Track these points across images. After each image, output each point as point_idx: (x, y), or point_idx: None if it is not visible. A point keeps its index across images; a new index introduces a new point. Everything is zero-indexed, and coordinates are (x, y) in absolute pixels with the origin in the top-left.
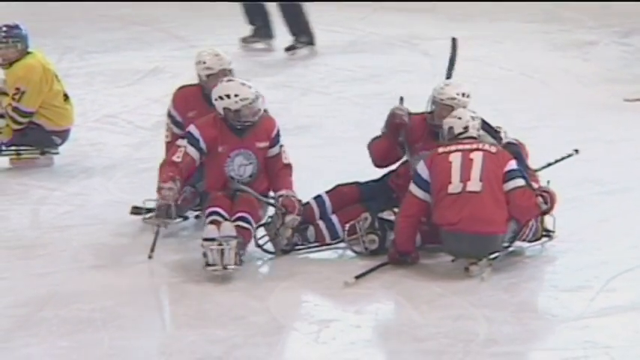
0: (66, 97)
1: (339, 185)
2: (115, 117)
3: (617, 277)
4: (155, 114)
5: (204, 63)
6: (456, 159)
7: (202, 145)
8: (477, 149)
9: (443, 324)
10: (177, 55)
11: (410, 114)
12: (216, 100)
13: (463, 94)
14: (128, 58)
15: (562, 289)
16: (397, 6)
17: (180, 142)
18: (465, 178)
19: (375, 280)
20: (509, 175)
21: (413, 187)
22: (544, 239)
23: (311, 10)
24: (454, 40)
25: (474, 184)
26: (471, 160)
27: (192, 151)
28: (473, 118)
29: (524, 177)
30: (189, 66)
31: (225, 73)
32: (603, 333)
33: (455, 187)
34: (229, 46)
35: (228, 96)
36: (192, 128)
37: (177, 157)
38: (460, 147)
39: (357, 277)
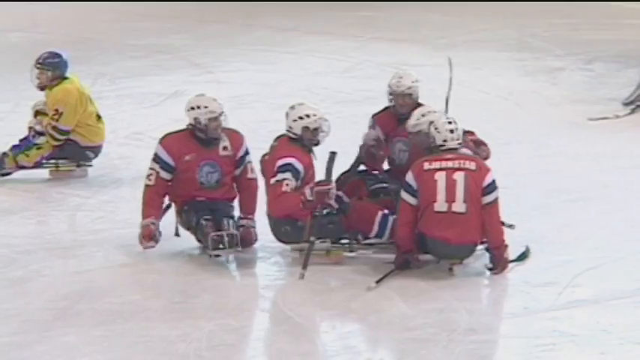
0: (98, 116)
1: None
2: (141, 134)
3: (581, 275)
4: None
5: (207, 107)
6: (440, 178)
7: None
8: (460, 169)
9: (429, 315)
10: (195, 80)
11: (378, 138)
12: (295, 120)
13: (413, 82)
14: (152, 83)
15: (533, 284)
16: (388, 36)
17: (283, 176)
18: (450, 199)
19: (371, 279)
20: (486, 190)
21: (405, 196)
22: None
23: (312, 40)
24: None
25: (459, 206)
26: (455, 180)
27: (294, 184)
28: (451, 131)
29: (496, 186)
30: (205, 89)
31: (222, 114)
32: (570, 323)
33: (440, 205)
34: (241, 72)
35: (308, 115)
36: (295, 162)
37: (286, 188)
38: (444, 165)
39: (378, 282)
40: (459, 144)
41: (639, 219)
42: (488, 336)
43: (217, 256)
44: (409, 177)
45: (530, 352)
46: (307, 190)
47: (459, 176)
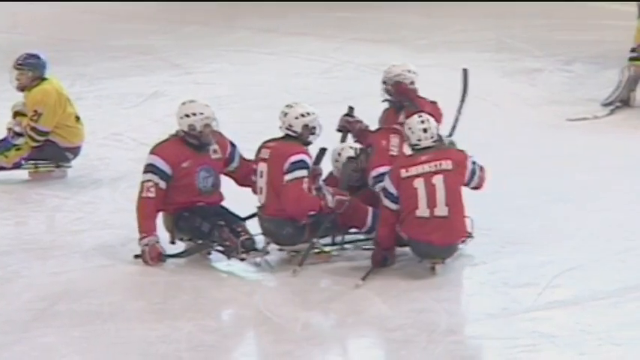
0: (77, 117)
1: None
2: (120, 135)
3: (560, 275)
4: (156, 132)
5: (202, 114)
6: (420, 185)
7: None
8: (437, 172)
9: (409, 316)
10: (174, 80)
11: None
12: (297, 118)
13: (409, 71)
14: (132, 84)
15: (512, 285)
16: (368, 37)
17: (302, 173)
18: (431, 204)
19: (350, 279)
20: (469, 180)
21: (386, 202)
22: (467, 239)
23: (292, 41)
24: (465, 70)
25: (441, 210)
26: (434, 185)
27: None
28: (425, 130)
29: (475, 167)
30: (185, 90)
31: (215, 120)
32: (549, 324)
33: (422, 211)
34: (221, 73)
35: (308, 113)
36: (306, 158)
37: (305, 186)
38: (421, 169)
39: (364, 279)
40: (434, 142)
41: (619, 219)
42: (468, 337)
43: (242, 259)
44: (388, 184)
45: (510, 352)
46: (330, 197)
47: (437, 180)
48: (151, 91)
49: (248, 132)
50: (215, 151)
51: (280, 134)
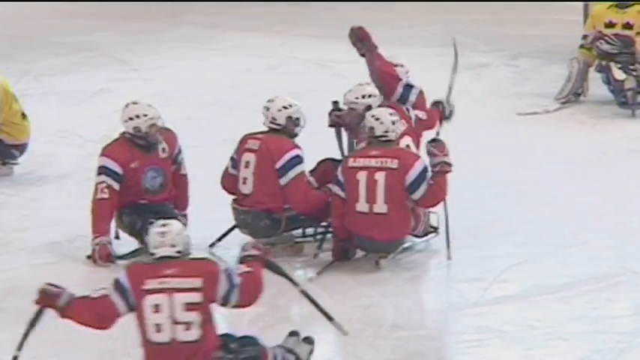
0: (23, 115)
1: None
2: (66, 132)
3: (507, 270)
4: (102, 129)
5: (146, 115)
6: (362, 178)
7: None
8: (381, 168)
9: (355, 312)
10: (120, 77)
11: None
12: (279, 110)
13: (363, 97)
14: (77, 80)
15: (459, 280)
16: (313, 32)
17: (301, 168)
18: (370, 199)
19: (301, 273)
20: (412, 188)
21: (337, 190)
22: (431, 235)
23: (237, 37)
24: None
25: (380, 207)
26: (375, 181)
27: None
28: (394, 122)
29: (426, 176)
30: (131, 87)
31: (159, 118)
32: (496, 319)
33: (362, 205)
34: (166, 69)
35: (291, 105)
36: (301, 153)
37: (306, 182)
38: (367, 163)
39: (319, 273)
40: (395, 137)
41: (565, 214)
42: (415, 332)
43: None
44: (339, 171)
45: (457, 347)
46: (336, 188)
47: (379, 177)
48: (97, 87)
49: (195, 128)
50: (164, 150)
51: (264, 129)
